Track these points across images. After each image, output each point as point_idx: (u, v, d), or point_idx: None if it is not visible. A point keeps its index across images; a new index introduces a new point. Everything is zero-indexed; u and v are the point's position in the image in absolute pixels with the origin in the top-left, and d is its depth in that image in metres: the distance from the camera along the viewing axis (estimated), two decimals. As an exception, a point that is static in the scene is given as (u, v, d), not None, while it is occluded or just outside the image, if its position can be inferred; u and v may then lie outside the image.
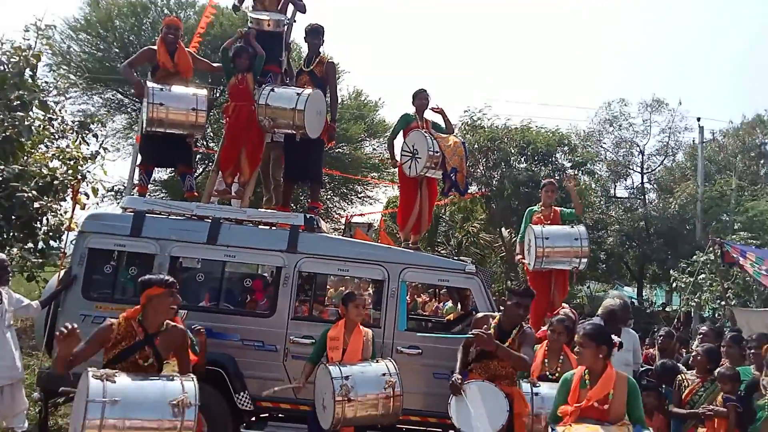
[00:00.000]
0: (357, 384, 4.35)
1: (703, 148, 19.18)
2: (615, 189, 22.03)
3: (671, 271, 13.61)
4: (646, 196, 21.35)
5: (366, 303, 4.80)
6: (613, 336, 4.00)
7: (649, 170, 21.58)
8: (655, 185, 21.95)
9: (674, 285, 13.57)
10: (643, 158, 21.27)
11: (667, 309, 18.74)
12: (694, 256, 12.67)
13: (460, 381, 4.23)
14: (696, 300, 12.31)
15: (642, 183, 21.42)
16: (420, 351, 5.29)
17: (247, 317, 5.46)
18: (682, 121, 21.00)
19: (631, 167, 21.56)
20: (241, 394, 5.06)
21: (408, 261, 5.54)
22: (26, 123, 7.05)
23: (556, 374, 4.33)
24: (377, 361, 4.62)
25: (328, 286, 8.94)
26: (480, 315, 4.68)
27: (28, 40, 7.27)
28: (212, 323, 5.14)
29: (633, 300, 19.72)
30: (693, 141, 20.98)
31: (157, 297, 3.49)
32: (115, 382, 3.10)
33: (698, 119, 18.59)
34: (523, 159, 17.82)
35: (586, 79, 71.85)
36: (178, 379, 3.33)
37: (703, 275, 12.04)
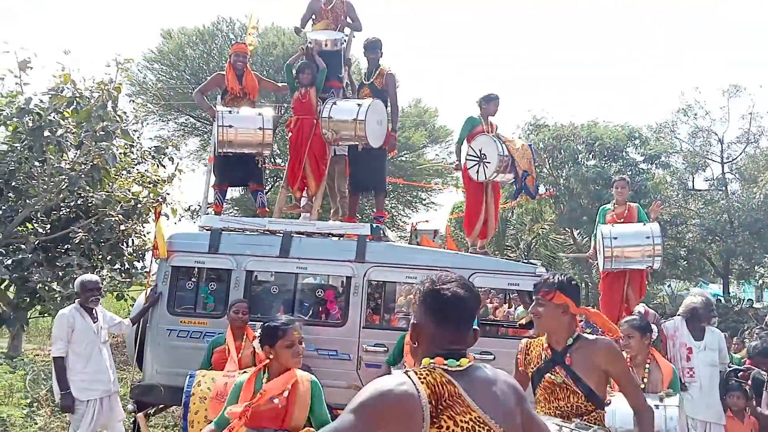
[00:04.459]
0: None
1: (790, 131, 17.96)
2: (693, 181, 20.92)
3: (756, 267, 12.76)
4: (728, 187, 20.15)
5: None
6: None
7: (730, 159, 20.37)
8: (737, 175, 20.68)
9: (761, 282, 12.70)
10: (722, 147, 20.11)
11: (755, 306, 17.60)
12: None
13: None
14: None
15: (723, 173, 20.22)
16: (493, 357, 5.26)
17: (321, 327, 5.61)
18: (764, 105, 19.79)
19: (709, 157, 20.43)
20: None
21: (476, 266, 5.53)
22: (111, 151, 7.56)
23: (644, 381, 3.74)
24: None
25: (397, 294, 9.00)
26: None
27: (110, 74, 7.80)
28: (288, 334, 5.34)
29: (719, 297, 18.63)
30: (777, 125, 19.66)
31: None
32: None
33: (782, 101, 17.51)
34: (591, 156, 17.33)
35: (657, 71, 68.87)
36: None
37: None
